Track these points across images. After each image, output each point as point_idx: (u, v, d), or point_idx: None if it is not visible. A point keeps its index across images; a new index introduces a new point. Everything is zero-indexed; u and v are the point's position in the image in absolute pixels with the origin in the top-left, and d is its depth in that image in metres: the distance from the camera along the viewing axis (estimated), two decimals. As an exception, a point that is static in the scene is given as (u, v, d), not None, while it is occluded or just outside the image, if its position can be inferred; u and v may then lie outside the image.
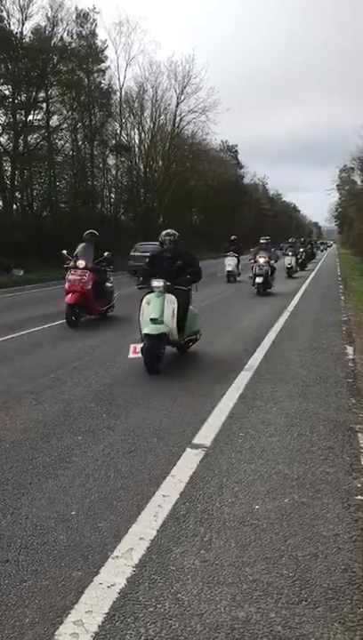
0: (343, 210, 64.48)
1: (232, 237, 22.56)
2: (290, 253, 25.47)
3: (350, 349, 8.54)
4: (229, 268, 21.24)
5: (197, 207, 56.14)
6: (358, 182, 52.65)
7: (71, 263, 10.42)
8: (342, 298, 16.81)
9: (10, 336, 9.19)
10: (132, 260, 22.51)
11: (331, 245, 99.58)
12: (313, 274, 28.56)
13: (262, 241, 17.88)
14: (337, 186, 59.17)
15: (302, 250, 30.83)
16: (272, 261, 17.04)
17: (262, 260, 16.61)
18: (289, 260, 25.06)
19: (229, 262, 21.25)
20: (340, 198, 63.56)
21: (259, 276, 16.49)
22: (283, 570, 2.85)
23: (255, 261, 16.75)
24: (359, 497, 3.67)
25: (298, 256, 27.61)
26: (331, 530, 3.25)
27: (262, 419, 5.21)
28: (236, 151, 70.52)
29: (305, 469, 4.09)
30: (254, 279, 16.61)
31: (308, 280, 23.64)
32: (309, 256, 35.50)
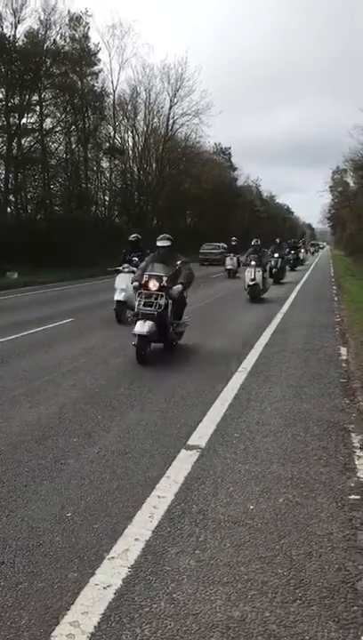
0: (337, 211, 64.75)
1: (131, 237, 12.63)
2: (253, 263, 16.03)
3: (343, 350, 8.58)
4: (118, 297, 11.12)
5: (192, 210, 56.21)
6: (351, 184, 52.94)
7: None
8: (336, 299, 16.87)
9: (5, 338, 9.17)
10: (201, 255, 38.69)
11: (323, 247, 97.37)
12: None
13: (159, 244, 8.52)
14: (330, 187, 59.50)
15: (276, 256, 22.39)
16: (177, 287, 7.95)
17: (152, 285, 7.86)
18: (251, 275, 15.77)
19: (121, 285, 11.18)
20: (333, 200, 63.88)
21: (144, 317, 7.67)
22: (278, 569, 2.86)
23: (142, 286, 7.97)
24: (353, 496, 3.69)
25: (273, 263, 20.22)
26: (325, 529, 3.27)
27: (256, 419, 5.24)
28: (229, 153, 70.77)
29: (299, 469, 4.11)
30: (136, 324, 7.71)
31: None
32: (284, 264, 25.15)
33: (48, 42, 29.33)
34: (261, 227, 71.56)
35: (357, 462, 4.26)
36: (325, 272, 33.73)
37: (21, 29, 27.90)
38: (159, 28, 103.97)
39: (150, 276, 7.92)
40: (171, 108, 41.79)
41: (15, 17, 26.86)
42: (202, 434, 4.81)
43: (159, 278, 7.87)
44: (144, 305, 7.70)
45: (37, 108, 29.92)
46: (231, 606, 2.57)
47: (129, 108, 40.60)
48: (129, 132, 41.71)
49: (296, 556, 2.98)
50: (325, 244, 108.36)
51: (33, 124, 30.31)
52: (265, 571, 2.85)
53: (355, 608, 2.57)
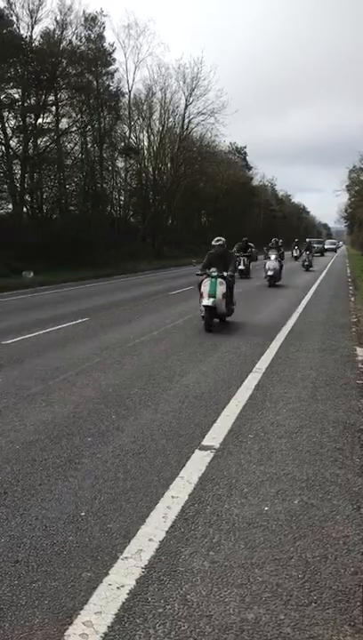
0: (353, 210, 64.16)
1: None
2: (214, 271, 10.35)
3: (360, 351, 8.50)
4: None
5: (207, 209, 56.15)
6: (368, 183, 52.45)
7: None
8: (352, 299, 16.72)
9: (20, 337, 9.23)
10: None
11: (336, 248, 79.19)
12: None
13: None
14: (347, 186, 58.94)
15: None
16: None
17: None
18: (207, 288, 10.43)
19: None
20: (350, 199, 63.30)
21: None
22: (292, 571, 2.84)
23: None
24: (369, 499, 3.65)
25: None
26: (340, 532, 3.23)
27: (271, 420, 5.21)
28: (245, 153, 70.59)
29: (315, 471, 4.08)
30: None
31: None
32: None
33: (64, 42, 29.45)
34: (277, 226, 71.23)
35: (373, 464, 4.21)
36: (341, 272, 33.45)
37: (38, 30, 28.12)
38: (175, 27, 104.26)
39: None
40: (186, 107, 41.74)
41: (32, 18, 27.01)
42: (216, 434, 4.79)
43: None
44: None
45: (53, 108, 30.07)
46: (245, 608, 2.55)
47: (144, 107, 40.65)
48: (144, 132, 41.78)
49: (311, 559, 2.95)
50: (341, 243, 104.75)
51: (49, 124, 30.47)
52: (280, 573, 2.82)
53: (371, 612, 2.54)
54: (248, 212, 65.55)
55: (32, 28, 27.25)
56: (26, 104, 27.57)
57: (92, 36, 32.84)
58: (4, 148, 27.11)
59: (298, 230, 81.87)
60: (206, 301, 10.01)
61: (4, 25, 25.87)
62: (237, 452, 4.42)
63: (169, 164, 43.26)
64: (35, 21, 27.20)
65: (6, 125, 27.26)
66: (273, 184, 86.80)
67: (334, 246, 76.77)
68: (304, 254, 31.06)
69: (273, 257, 19.81)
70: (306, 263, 30.00)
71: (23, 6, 26.68)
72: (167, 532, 3.20)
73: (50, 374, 6.83)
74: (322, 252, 57.91)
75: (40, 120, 29.20)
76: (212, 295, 10.00)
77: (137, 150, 40.37)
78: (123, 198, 41.11)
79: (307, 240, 34.25)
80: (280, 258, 20.32)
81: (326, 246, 67.22)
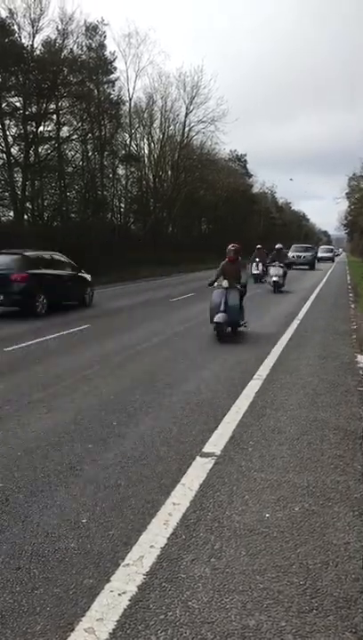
0: (353, 218, 64.27)
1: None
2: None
3: (361, 358, 8.50)
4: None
5: (207, 217, 56.30)
6: (368, 190, 52.54)
7: None
8: (353, 306, 16.72)
9: (21, 345, 9.24)
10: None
11: (337, 254, 74.30)
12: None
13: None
14: (347, 194, 59.06)
15: None
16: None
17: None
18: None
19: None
20: (349, 206, 63.42)
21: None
22: (293, 578, 2.84)
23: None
24: (370, 505, 3.65)
25: None
26: (342, 538, 3.24)
27: (272, 427, 5.21)
28: (245, 160, 70.83)
29: (315, 478, 4.08)
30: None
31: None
32: None
33: (65, 51, 29.64)
34: (277, 234, 71.32)
35: (374, 471, 4.21)
36: (341, 279, 33.47)
37: (39, 39, 28.28)
38: (176, 31, 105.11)
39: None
40: (187, 115, 42.05)
41: (33, 27, 27.19)
42: (217, 441, 4.80)
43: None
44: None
45: (54, 116, 30.22)
46: (247, 615, 2.55)
47: (145, 115, 40.85)
48: (145, 140, 41.97)
49: (312, 566, 2.96)
50: (341, 250, 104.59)
51: (50, 132, 30.62)
52: (281, 580, 2.83)
53: (372, 619, 2.54)
54: (248, 220, 65.67)
55: (33, 37, 27.46)
56: (27, 112, 27.70)
57: (93, 44, 33.13)
58: (5, 155, 27.25)
59: (298, 238, 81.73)
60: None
61: (6, 34, 26.05)
62: (238, 458, 4.43)
63: (169, 172, 43.45)
64: (36, 30, 27.41)
65: (7, 133, 27.42)
66: (273, 192, 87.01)
67: (330, 254, 59.78)
68: (216, 293, 10.03)
69: None
70: (217, 320, 9.68)
71: (25, 15, 26.87)
72: (168, 538, 3.20)
73: (51, 381, 6.83)
74: (311, 264, 39.88)
75: (41, 128, 29.36)
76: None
77: (138, 158, 40.55)
78: (123, 205, 41.24)
79: (277, 247, 20.70)
80: None
81: (319, 254, 50.91)
